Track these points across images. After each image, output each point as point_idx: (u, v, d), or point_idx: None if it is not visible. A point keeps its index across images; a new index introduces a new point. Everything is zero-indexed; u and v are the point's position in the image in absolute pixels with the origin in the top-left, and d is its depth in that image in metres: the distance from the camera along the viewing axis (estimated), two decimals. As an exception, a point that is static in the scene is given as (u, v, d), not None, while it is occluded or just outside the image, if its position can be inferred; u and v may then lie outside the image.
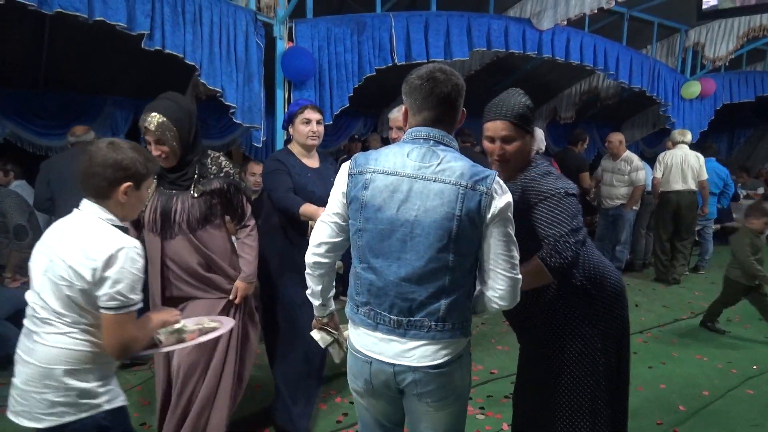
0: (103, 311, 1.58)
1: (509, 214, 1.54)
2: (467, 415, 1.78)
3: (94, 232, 1.61)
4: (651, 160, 8.71)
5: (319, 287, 1.78)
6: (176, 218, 2.36)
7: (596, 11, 5.20)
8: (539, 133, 5.05)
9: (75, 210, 1.68)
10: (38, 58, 5.15)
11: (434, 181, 1.51)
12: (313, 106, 2.80)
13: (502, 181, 1.57)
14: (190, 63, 3.90)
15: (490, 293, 1.58)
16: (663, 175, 5.92)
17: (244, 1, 4.36)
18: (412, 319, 1.55)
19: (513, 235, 1.56)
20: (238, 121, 4.21)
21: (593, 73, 7.94)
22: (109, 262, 1.55)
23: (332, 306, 1.90)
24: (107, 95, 6.01)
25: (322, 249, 1.69)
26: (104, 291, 1.55)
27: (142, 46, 3.71)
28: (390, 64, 4.83)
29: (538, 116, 9.35)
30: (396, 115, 3.10)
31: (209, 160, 2.47)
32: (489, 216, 1.51)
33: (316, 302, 1.84)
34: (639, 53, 6.75)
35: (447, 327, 1.55)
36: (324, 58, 4.49)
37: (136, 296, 1.62)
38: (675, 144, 6.05)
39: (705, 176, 5.88)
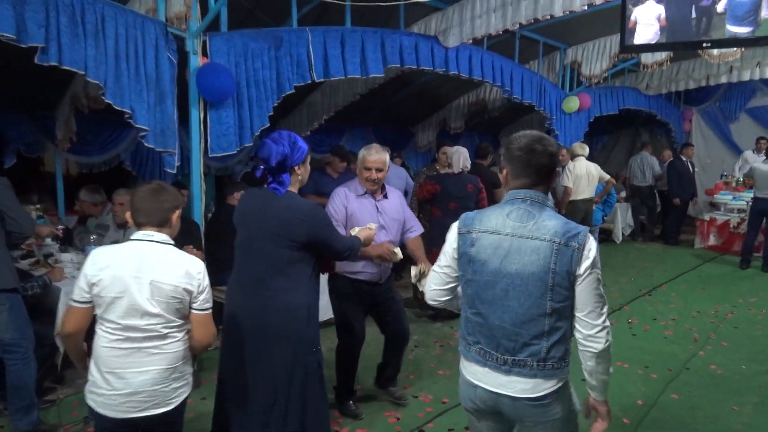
0: (201, 312, 2.08)
1: (598, 266, 1.72)
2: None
3: (180, 257, 2.06)
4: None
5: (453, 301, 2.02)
6: None
7: (501, 32, 5.39)
8: (464, 152, 5.15)
9: (139, 240, 2.04)
10: None
11: (530, 238, 1.73)
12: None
13: (591, 237, 1.74)
14: (93, 81, 3.40)
15: (578, 336, 1.77)
16: (573, 184, 6.39)
17: (144, 8, 3.88)
18: (515, 358, 1.76)
19: (601, 285, 1.73)
20: (150, 146, 3.75)
21: (480, 86, 8.29)
22: (203, 277, 2.07)
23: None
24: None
25: (437, 293, 1.99)
26: (203, 297, 2.07)
27: (36, 61, 3.16)
28: (309, 81, 4.61)
29: (428, 126, 9.59)
30: (368, 156, 3.18)
31: None
32: (580, 269, 1.70)
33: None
34: (529, 70, 7.15)
35: (548, 366, 1.75)
36: (241, 75, 4.16)
37: None
38: (575, 156, 6.53)
39: (608, 176, 6.73)
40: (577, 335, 1.77)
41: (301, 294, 2.42)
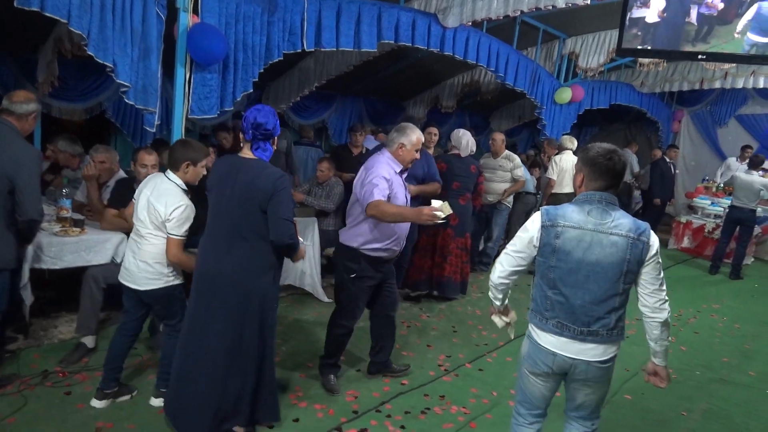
0: (169, 235, 2.81)
1: (659, 254, 2.14)
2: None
3: (171, 191, 2.82)
4: (509, 149, 9.37)
5: (501, 296, 2.43)
6: None
7: (501, 17, 5.32)
8: (470, 136, 5.18)
9: (164, 174, 2.89)
10: None
11: (610, 234, 2.11)
12: None
13: (652, 231, 2.17)
14: (75, 31, 3.30)
15: (645, 310, 2.19)
16: (557, 177, 6.38)
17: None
18: (590, 329, 2.16)
19: (661, 267, 2.16)
20: (130, 102, 3.67)
21: (475, 67, 8.20)
22: (176, 210, 2.77)
23: (506, 302, 2.49)
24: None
25: (509, 273, 2.31)
26: (171, 224, 2.79)
27: (16, 4, 3.05)
28: (299, 50, 4.53)
29: (420, 102, 9.51)
30: (420, 137, 3.32)
31: None
32: (648, 257, 2.12)
33: (497, 303, 2.47)
34: (525, 57, 7.08)
35: (613, 334, 2.18)
36: (230, 38, 4.06)
37: (185, 233, 2.84)
38: (563, 150, 6.52)
39: None
40: (644, 309, 2.19)
41: (271, 254, 2.64)
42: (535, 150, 10.58)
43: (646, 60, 7.14)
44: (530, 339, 2.30)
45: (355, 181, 3.30)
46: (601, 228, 2.12)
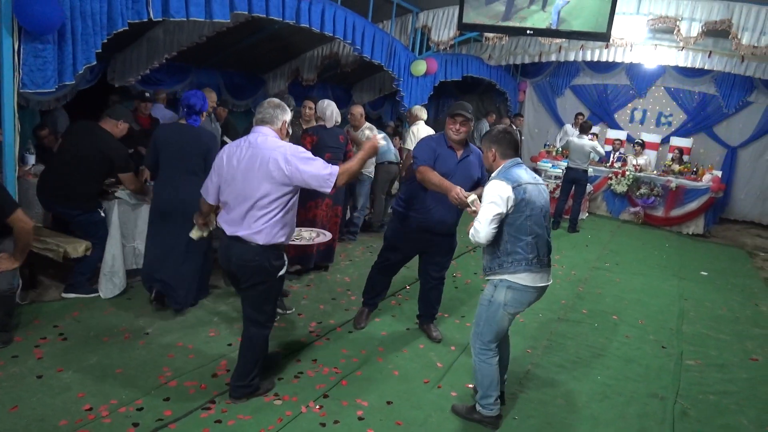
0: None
1: None
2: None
3: None
4: (374, 122, 9.66)
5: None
6: None
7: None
8: (335, 107, 5.20)
9: None
10: None
11: (539, 184, 2.96)
12: None
13: None
14: None
15: None
16: None
17: None
18: (549, 257, 2.99)
19: None
20: (-54, 76, 3.27)
21: (334, 39, 8.23)
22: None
23: None
24: None
25: (494, 232, 2.88)
26: None
27: None
28: (145, 19, 4.28)
29: (280, 74, 9.39)
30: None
31: None
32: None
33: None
34: (381, 30, 7.25)
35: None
36: (66, 5, 3.72)
37: None
38: (416, 119, 6.80)
39: None
40: None
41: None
42: (396, 121, 10.95)
43: (490, 35, 7.66)
44: (512, 289, 2.92)
45: (262, 168, 2.88)
46: (536, 181, 2.95)
